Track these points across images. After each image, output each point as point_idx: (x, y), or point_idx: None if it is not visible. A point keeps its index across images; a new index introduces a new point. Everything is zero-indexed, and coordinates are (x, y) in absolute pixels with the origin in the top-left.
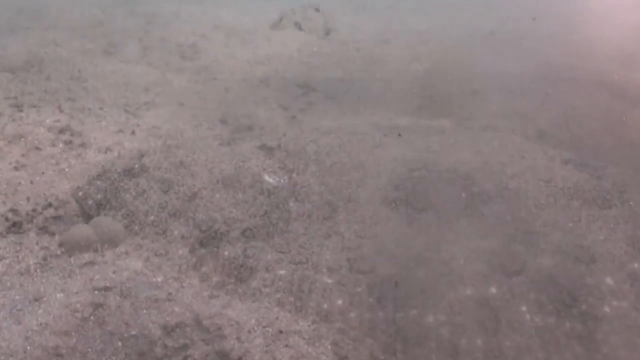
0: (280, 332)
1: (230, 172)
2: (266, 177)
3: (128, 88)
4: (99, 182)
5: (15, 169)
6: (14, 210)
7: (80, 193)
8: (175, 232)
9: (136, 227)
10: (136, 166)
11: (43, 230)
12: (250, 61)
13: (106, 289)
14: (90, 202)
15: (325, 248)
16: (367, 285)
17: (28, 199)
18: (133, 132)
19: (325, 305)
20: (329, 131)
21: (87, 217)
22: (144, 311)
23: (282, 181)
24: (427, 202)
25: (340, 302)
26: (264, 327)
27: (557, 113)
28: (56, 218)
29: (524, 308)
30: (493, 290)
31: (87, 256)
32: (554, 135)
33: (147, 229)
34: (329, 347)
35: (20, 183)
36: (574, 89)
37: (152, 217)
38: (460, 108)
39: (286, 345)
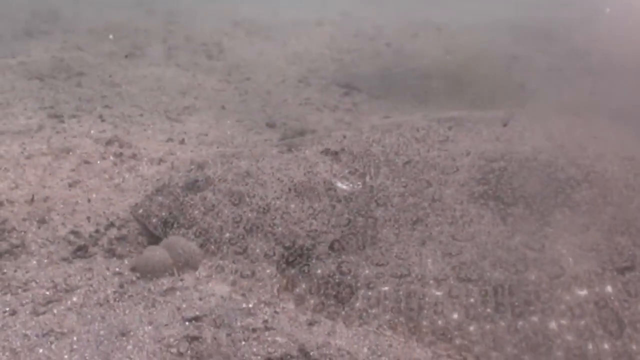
0: None
1: (301, 180)
2: (339, 184)
3: (164, 92)
4: (160, 198)
5: (70, 186)
6: (75, 233)
7: (141, 210)
8: (257, 250)
9: (212, 247)
10: (200, 179)
11: (110, 253)
12: (281, 59)
13: (197, 319)
14: (154, 220)
15: (425, 256)
16: (480, 294)
17: (88, 219)
18: (182, 141)
19: (440, 322)
20: (389, 129)
21: (151, 237)
22: (243, 342)
23: (355, 187)
24: (515, 194)
25: (455, 316)
26: (379, 356)
27: (609, 105)
28: (120, 239)
29: None
30: (609, 289)
31: (165, 282)
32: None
33: (224, 247)
34: None
35: (77, 202)
36: (618, 78)
37: (227, 234)
38: (510, 103)
39: None
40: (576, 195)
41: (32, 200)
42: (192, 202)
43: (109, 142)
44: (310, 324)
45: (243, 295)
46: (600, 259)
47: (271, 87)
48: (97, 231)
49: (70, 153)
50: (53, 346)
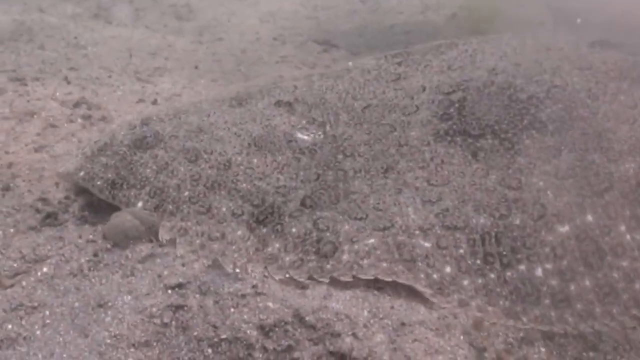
0: (403, 324)
1: (260, 133)
2: (299, 135)
3: (133, 53)
4: (104, 159)
5: (35, 150)
6: (44, 200)
7: (82, 173)
8: (223, 209)
9: (170, 206)
10: (148, 135)
11: (82, 220)
12: (253, 18)
13: (180, 286)
14: (99, 182)
15: (404, 205)
16: (468, 244)
17: (57, 184)
18: (155, 101)
19: (435, 276)
20: (340, 75)
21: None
22: (232, 310)
23: (317, 137)
24: (480, 125)
25: (448, 269)
26: (381, 319)
27: None
28: (93, 205)
29: (622, 228)
30: (589, 218)
31: (144, 248)
32: None
33: (184, 207)
34: (461, 337)
35: (44, 167)
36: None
37: (186, 193)
38: None
39: (415, 340)
40: (541, 114)
41: None
42: (142, 161)
43: (76, 104)
44: (304, 287)
45: (215, 259)
46: (578, 185)
47: (245, 46)
48: (67, 197)
49: (35, 116)
50: (23, 321)
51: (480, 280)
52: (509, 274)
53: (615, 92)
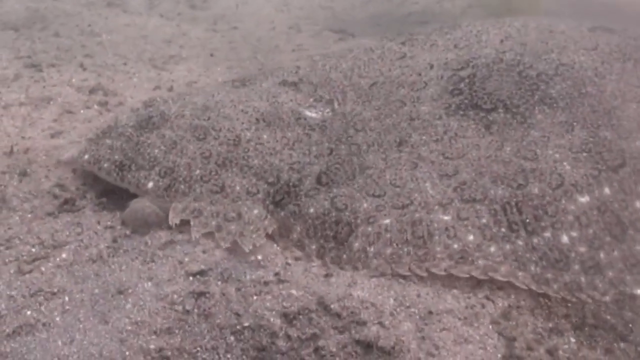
0: (430, 312)
1: (268, 110)
2: (307, 113)
3: (147, 41)
4: (109, 141)
5: (52, 136)
6: (61, 186)
7: (87, 157)
8: (237, 188)
9: (182, 186)
10: (154, 115)
11: (100, 206)
12: (267, 7)
13: (202, 273)
14: (106, 165)
15: (421, 180)
16: (490, 214)
17: (74, 170)
18: (171, 88)
19: (456, 246)
20: (343, 54)
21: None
22: (254, 297)
23: (325, 114)
24: (492, 99)
25: (471, 237)
26: (407, 307)
27: None
28: (111, 191)
29: (638, 204)
30: (607, 191)
31: (163, 235)
32: None
33: (197, 186)
34: (490, 326)
35: (61, 153)
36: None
37: (198, 171)
38: None
39: (444, 329)
40: (551, 91)
41: (11, 152)
42: (149, 141)
43: (92, 91)
44: (327, 275)
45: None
46: (593, 159)
47: (261, 34)
48: (84, 184)
49: (51, 102)
50: (42, 307)
51: (508, 247)
52: (535, 240)
53: (621, 72)
